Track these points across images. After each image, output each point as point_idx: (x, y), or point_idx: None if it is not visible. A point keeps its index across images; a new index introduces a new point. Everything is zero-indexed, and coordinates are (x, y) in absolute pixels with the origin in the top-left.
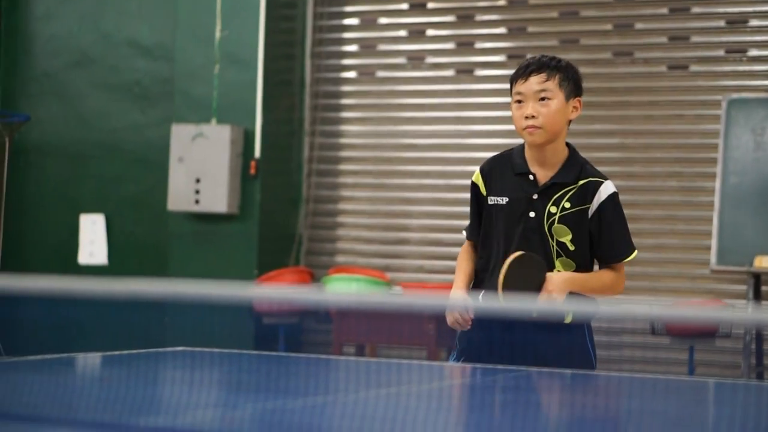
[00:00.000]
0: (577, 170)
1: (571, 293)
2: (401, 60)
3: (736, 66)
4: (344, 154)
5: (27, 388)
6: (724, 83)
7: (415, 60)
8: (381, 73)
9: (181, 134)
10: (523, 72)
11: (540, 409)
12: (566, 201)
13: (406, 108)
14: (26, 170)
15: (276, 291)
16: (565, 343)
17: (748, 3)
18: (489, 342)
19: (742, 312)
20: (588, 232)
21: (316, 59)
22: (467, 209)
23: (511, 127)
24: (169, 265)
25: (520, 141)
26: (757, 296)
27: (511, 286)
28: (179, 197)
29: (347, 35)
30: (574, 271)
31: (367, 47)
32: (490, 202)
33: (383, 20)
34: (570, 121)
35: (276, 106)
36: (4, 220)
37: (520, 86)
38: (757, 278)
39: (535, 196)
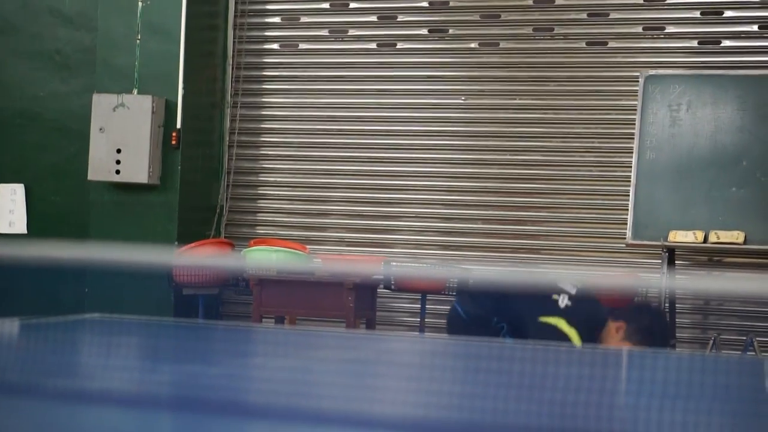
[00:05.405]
0: None
1: None
2: (324, 32)
3: (653, 42)
4: (266, 125)
5: None
6: (641, 59)
7: (338, 32)
8: (303, 45)
9: (102, 104)
10: None
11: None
12: None
13: (328, 80)
14: None
15: (197, 259)
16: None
17: None
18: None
19: (657, 282)
20: None
21: (239, 30)
22: (387, 182)
23: (434, 100)
24: (89, 235)
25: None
26: (671, 269)
27: None
28: (100, 167)
29: (270, 7)
30: None
31: (290, 19)
32: None
33: None
34: None
35: (198, 77)
36: None
37: None
38: (671, 252)
39: None
